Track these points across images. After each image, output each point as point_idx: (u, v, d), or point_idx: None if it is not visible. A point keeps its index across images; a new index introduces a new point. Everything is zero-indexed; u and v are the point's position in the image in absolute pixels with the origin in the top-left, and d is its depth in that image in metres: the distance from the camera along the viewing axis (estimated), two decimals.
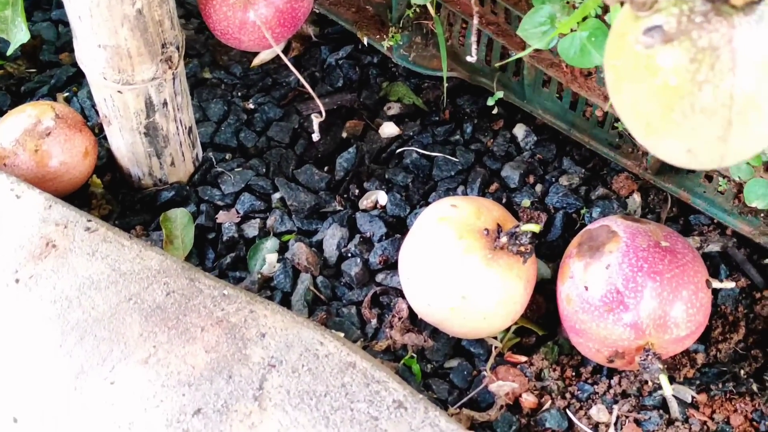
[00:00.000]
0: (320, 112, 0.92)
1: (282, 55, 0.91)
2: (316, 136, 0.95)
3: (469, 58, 0.88)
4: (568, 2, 0.86)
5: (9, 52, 1.04)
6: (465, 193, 1.13)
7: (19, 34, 1.01)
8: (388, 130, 1.21)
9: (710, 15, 0.47)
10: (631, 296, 0.90)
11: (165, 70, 0.98)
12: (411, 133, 1.20)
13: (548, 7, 0.85)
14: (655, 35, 0.47)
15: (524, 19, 0.86)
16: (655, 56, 0.48)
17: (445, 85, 1.16)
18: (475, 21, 0.94)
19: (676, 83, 0.48)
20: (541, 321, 1.03)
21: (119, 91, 0.98)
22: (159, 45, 0.95)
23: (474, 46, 0.87)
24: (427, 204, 1.10)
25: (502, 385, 0.97)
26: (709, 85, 0.47)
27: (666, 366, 0.97)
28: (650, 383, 0.97)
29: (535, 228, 0.94)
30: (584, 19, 0.83)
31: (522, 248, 0.94)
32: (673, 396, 0.96)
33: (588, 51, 0.84)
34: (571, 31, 0.84)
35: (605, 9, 0.85)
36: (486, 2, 1.06)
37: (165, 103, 1.02)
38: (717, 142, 0.51)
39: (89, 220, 0.99)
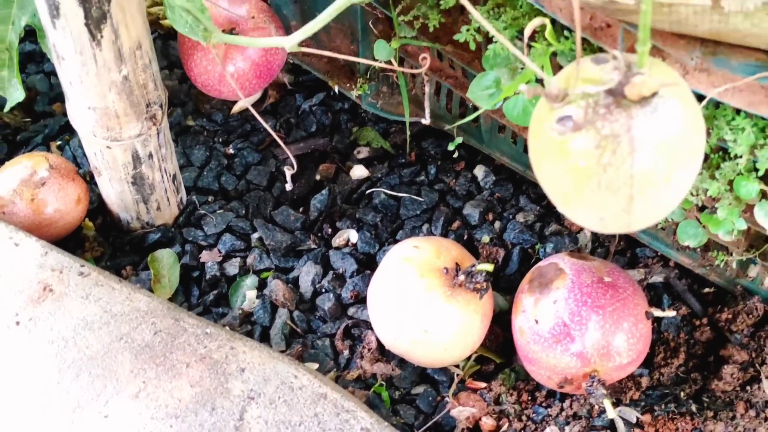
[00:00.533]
0: (292, 165, 1.01)
1: (252, 109, 1.00)
2: (288, 186, 1.04)
3: (423, 121, 0.97)
4: (513, 67, 0.96)
5: (6, 109, 1.13)
6: (430, 231, 1.22)
7: (15, 93, 1.10)
8: (359, 172, 1.30)
9: (612, 107, 0.54)
10: (577, 329, 0.99)
11: (150, 126, 1.07)
12: (379, 175, 1.29)
13: (493, 72, 0.94)
14: (566, 124, 0.55)
15: (472, 83, 0.95)
16: (567, 142, 0.55)
17: (408, 132, 1.25)
18: (427, 89, 1.04)
19: (584, 165, 0.55)
20: (499, 349, 1.12)
21: (108, 147, 1.07)
22: (144, 105, 1.04)
23: (427, 111, 0.96)
24: (395, 241, 1.19)
25: (463, 410, 1.06)
26: (612, 168, 0.55)
27: (612, 390, 1.07)
28: (597, 406, 1.06)
29: (489, 267, 1.03)
30: (526, 83, 0.93)
31: (478, 285, 1.03)
32: (620, 417, 1.05)
33: (529, 111, 0.93)
34: (515, 94, 0.93)
35: None
36: (444, 59, 1.16)
37: (150, 155, 1.11)
38: (622, 214, 0.59)
39: (82, 266, 1.08)
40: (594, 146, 0.52)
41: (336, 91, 1.30)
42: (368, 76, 1.24)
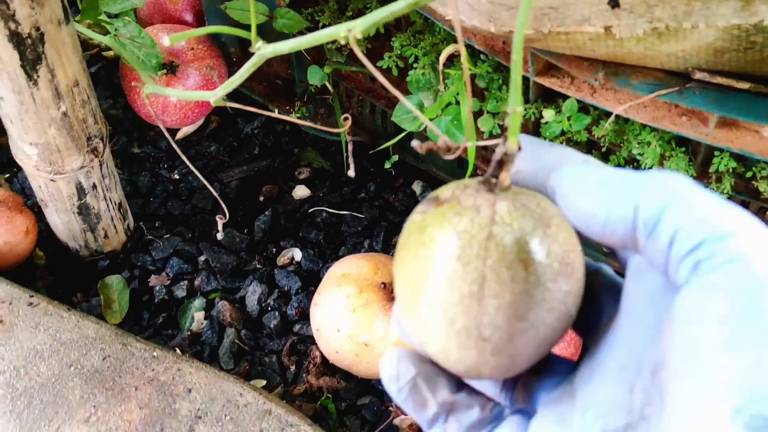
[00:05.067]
0: (224, 213, 1.05)
1: (176, 148, 1.04)
2: (220, 236, 1.08)
3: (350, 173, 0.99)
4: (436, 90, 1.01)
5: None
6: (371, 246, 1.27)
7: None
8: (301, 192, 1.34)
9: (481, 191, 0.46)
10: None
11: (92, 159, 1.11)
12: (321, 194, 1.34)
13: (416, 96, 0.99)
14: (430, 203, 0.47)
15: (396, 107, 0.99)
16: (427, 218, 0.46)
17: (345, 153, 1.29)
18: (350, 147, 1.08)
19: (438, 235, 0.45)
20: None
21: (52, 180, 1.11)
22: (84, 139, 1.08)
23: (351, 166, 1.00)
24: (338, 257, 1.24)
25: (405, 419, 1.10)
26: (467, 235, 0.44)
27: None
28: None
29: None
30: (447, 105, 0.97)
31: None
32: None
33: (452, 132, 0.98)
34: (437, 116, 0.98)
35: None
36: (376, 81, 1.20)
37: (94, 186, 1.15)
38: (471, 301, 0.49)
39: (31, 296, 1.11)
40: (453, 214, 0.44)
41: (276, 113, 1.34)
42: (306, 99, 1.28)
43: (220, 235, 1.08)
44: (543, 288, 0.42)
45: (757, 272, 0.33)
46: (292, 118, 0.85)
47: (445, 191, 0.47)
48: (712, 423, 0.32)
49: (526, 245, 0.43)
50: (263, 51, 0.73)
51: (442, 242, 0.44)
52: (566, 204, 0.41)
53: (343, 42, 0.59)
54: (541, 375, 0.47)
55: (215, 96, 0.80)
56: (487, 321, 0.42)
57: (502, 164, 0.45)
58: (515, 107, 0.46)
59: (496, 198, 0.45)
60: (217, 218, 1.06)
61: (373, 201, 1.33)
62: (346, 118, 0.83)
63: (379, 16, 0.59)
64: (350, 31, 0.59)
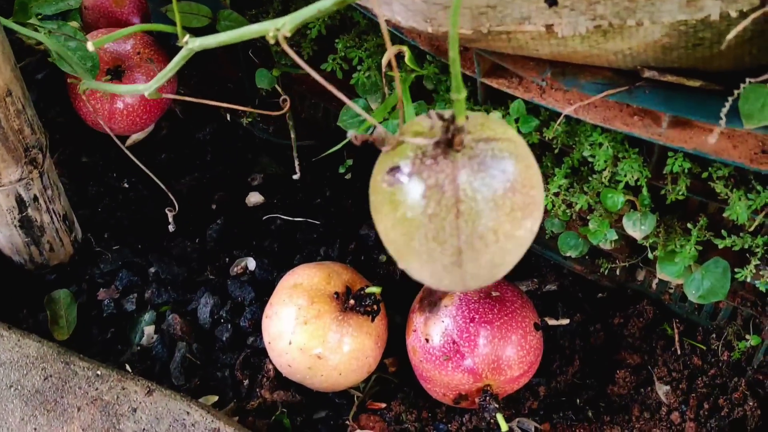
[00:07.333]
0: (174, 205, 1.01)
1: (128, 153, 1.00)
2: (171, 228, 1.04)
3: (295, 177, 0.97)
4: (384, 92, 0.97)
5: None
6: (327, 254, 1.23)
7: None
8: (254, 199, 1.30)
9: (439, 158, 0.53)
10: (466, 345, 1.00)
11: (31, 170, 1.07)
12: (275, 200, 1.30)
13: (361, 99, 0.95)
14: (395, 175, 0.55)
15: (342, 111, 0.96)
16: (395, 193, 0.53)
17: (296, 155, 1.25)
18: (294, 149, 1.04)
19: (411, 216, 0.53)
20: (399, 368, 1.13)
21: None
22: (22, 150, 1.04)
23: (297, 167, 0.96)
24: (293, 266, 1.20)
25: None
26: (438, 218, 0.52)
27: (510, 401, 1.08)
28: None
29: (377, 290, 1.04)
30: (393, 108, 0.94)
31: (368, 308, 1.04)
32: (518, 427, 1.06)
33: None
34: (384, 119, 0.94)
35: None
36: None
37: (35, 198, 1.10)
38: (453, 267, 0.57)
39: None
40: (420, 196, 0.51)
41: (228, 119, 1.30)
42: (257, 104, 1.25)
43: (171, 227, 1.04)
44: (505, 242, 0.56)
45: None
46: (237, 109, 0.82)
47: (405, 156, 0.54)
48: None
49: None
50: (191, 45, 0.70)
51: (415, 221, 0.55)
52: None
53: (272, 41, 0.56)
54: None
55: (149, 89, 0.77)
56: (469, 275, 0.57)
57: (455, 133, 0.51)
58: (458, 95, 0.51)
59: (455, 167, 0.52)
60: (166, 210, 1.02)
61: (329, 207, 1.29)
62: (284, 100, 0.80)
63: (306, 13, 0.56)
64: (278, 30, 0.56)
